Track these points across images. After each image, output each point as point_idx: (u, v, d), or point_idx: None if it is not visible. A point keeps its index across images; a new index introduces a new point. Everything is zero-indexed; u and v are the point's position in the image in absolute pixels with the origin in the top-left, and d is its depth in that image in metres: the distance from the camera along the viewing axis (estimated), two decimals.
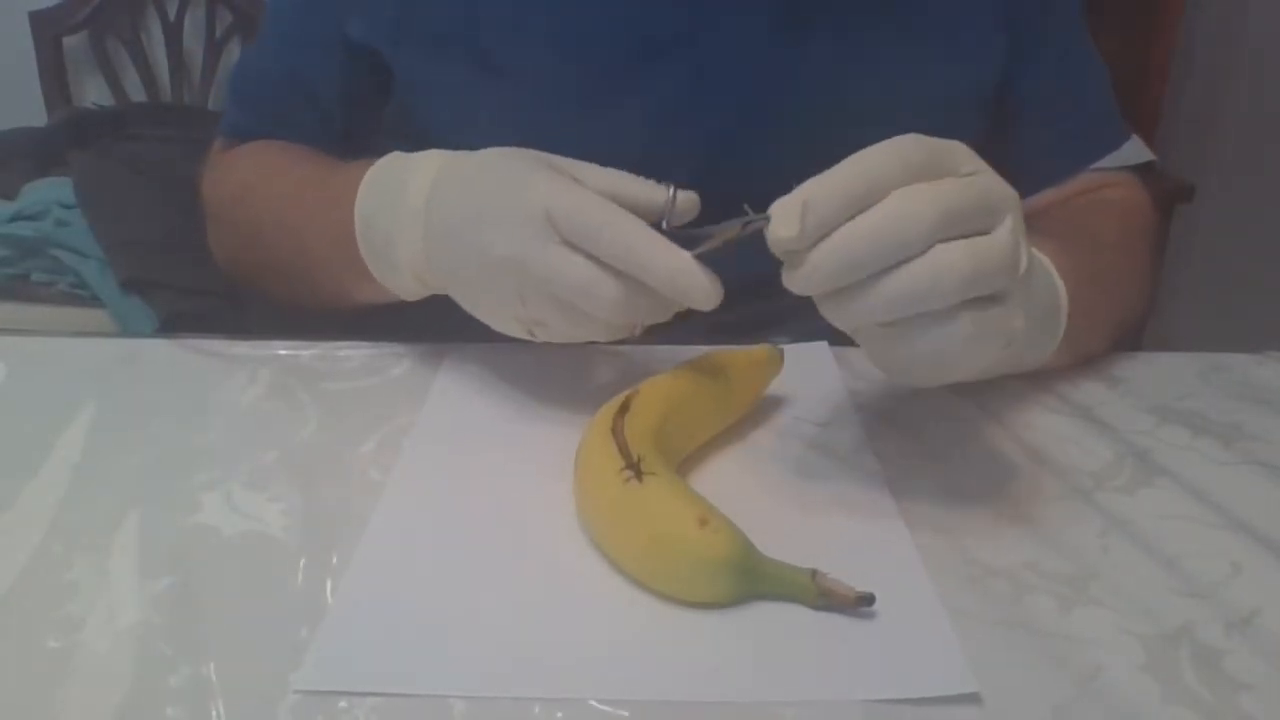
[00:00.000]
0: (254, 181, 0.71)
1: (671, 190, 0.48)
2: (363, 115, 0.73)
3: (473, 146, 0.53)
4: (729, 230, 0.44)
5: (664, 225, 0.47)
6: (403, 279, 0.56)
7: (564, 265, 0.46)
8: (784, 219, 0.40)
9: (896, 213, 0.39)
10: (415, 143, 0.57)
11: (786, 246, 0.40)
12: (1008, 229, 0.41)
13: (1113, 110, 0.75)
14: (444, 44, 0.66)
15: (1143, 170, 0.75)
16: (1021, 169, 0.73)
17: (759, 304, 0.72)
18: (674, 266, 0.45)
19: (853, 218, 0.40)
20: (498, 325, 0.52)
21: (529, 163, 0.49)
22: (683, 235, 0.46)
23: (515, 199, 0.47)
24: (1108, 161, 0.73)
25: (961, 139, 0.43)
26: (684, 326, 0.65)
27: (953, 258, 0.39)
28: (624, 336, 0.50)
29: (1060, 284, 0.55)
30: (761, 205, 0.42)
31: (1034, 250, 0.54)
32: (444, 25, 0.65)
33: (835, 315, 0.42)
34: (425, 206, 0.52)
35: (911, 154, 0.40)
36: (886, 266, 0.40)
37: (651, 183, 0.49)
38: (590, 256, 0.46)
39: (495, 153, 0.51)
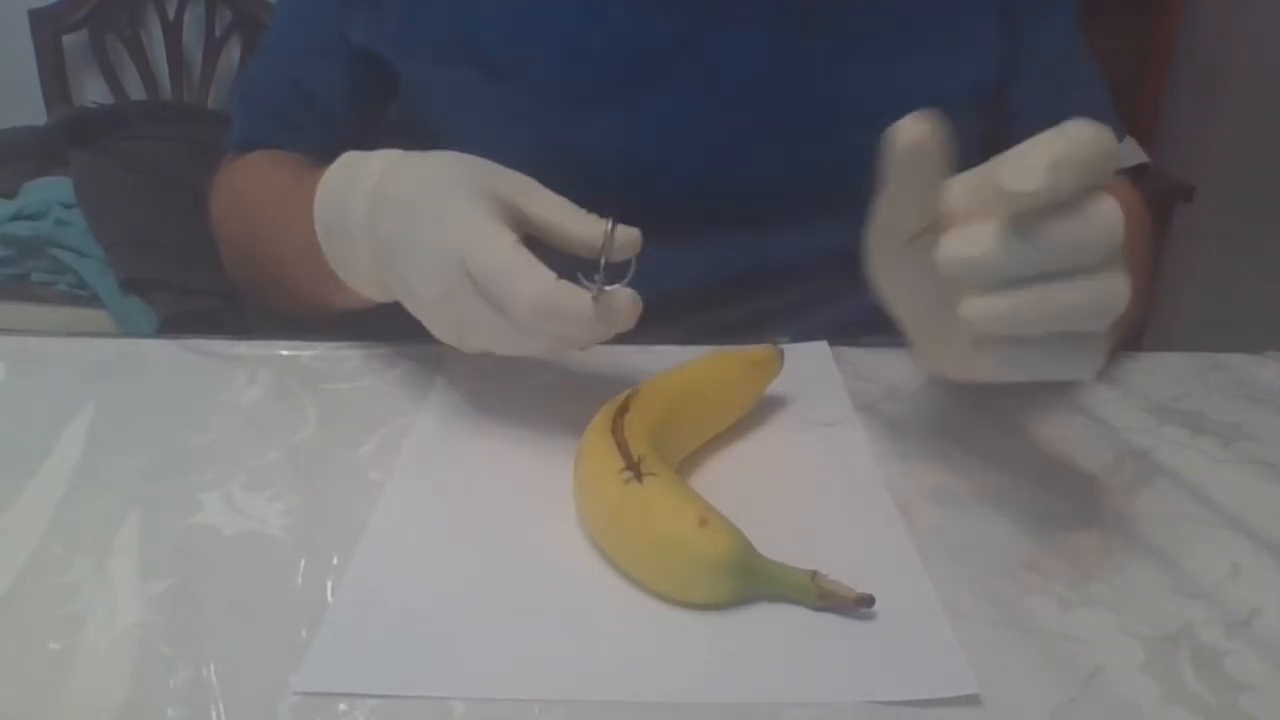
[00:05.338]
0: (238, 192, 0.71)
1: (610, 224, 0.47)
2: (368, 118, 0.73)
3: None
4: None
5: (602, 261, 0.46)
6: (367, 287, 0.55)
7: (485, 318, 0.47)
8: (1025, 173, 0.37)
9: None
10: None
11: (1022, 204, 0.38)
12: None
13: (1108, 113, 0.75)
14: (447, 51, 0.66)
15: (1135, 173, 0.74)
16: None
17: (758, 303, 0.72)
18: (571, 331, 0.45)
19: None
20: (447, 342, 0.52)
21: (460, 190, 0.48)
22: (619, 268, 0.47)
23: (437, 241, 0.47)
24: None
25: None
26: (684, 326, 0.65)
27: (1119, 285, 0.39)
28: (574, 349, 0.50)
29: None
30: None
31: None
32: (446, 32, 0.65)
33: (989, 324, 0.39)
34: (369, 221, 0.51)
35: (1107, 148, 0.38)
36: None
37: (592, 217, 0.48)
38: None
39: (431, 169, 0.50)
